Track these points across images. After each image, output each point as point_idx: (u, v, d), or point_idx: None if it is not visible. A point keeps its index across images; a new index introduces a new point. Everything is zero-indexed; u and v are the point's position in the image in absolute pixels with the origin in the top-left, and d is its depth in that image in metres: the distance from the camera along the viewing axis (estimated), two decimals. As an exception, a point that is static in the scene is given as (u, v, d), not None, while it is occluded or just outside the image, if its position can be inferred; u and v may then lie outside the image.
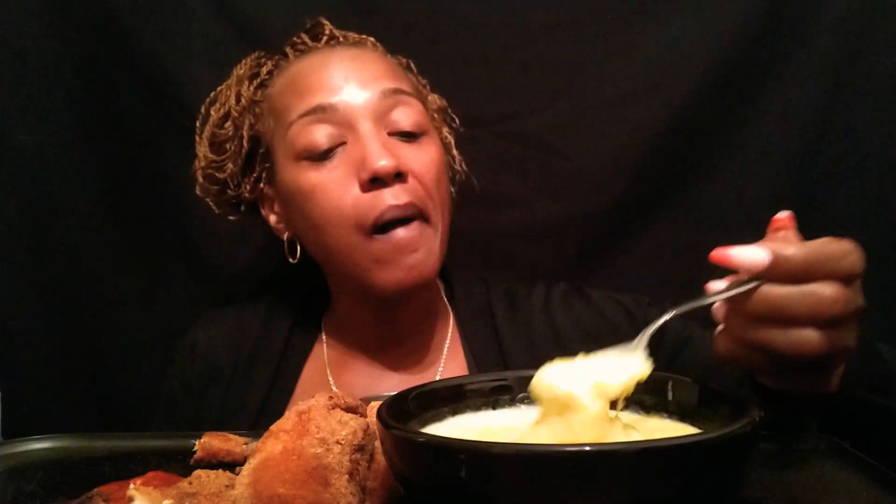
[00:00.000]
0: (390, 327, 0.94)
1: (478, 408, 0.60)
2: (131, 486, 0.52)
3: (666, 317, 0.56)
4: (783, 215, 0.59)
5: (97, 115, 1.15)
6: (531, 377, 0.61)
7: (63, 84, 1.14)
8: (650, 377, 0.58)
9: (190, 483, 0.54)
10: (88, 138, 1.16)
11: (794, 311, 0.53)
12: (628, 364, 0.54)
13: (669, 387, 0.57)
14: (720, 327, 0.57)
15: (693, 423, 0.55)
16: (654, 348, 0.92)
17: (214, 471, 0.56)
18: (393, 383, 0.92)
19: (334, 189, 0.84)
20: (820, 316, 0.53)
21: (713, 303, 0.56)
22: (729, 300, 0.55)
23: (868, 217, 1.09)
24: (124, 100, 1.15)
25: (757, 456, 0.46)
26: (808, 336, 0.53)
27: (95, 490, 0.56)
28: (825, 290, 0.53)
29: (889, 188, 1.09)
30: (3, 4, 1.12)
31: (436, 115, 0.99)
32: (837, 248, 0.54)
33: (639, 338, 0.56)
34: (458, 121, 1.03)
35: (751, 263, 0.54)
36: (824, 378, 0.59)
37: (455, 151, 1.01)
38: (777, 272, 0.53)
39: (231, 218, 0.99)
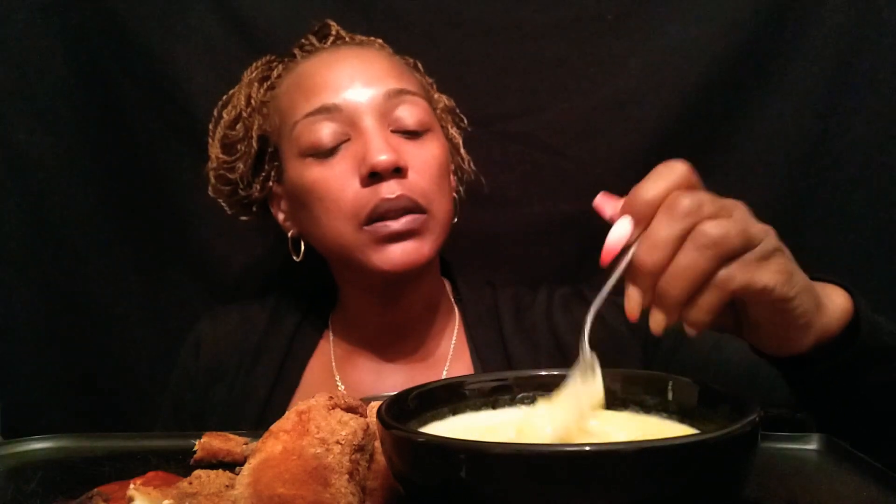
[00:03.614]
0: (395, 321, 0.95)
1: (478, 408, 0.60)
2: (131, 486, 0.52)
3: (587, 325, 0.57)
4: (597, 202, 0.61)
5: (97, 115, 1.15)
6: (531, 377, 0.62)
7: (63, 84, 1.14)
8: (650, 377, 0.58)
9: (190, 483, 0.54)
10: (88, 138, 1.16)
11: (667, 233, 0.54)
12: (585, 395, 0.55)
13: (669, 387, 0.57)
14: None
15: (693, 423, 0.55)
16: (653, 346, 0.93)
17: (214, 471, 0.56)
18: (398, 381, 0.92)
19: (336, 184, 0.85)
20: (683, 214, 0.54)
21: (611, 288, 0.57)
22: (630, 279, 0.56)
23: (867, 219, 1.09)
24: (125, 100, 1.15)
25: (757, 456, 0.46)
26: (699, 233, 0.54)
27: (95, 490, 0.56)
28: (672, 197, 0.55)
29: (889, 188, 1.09)
30: (4, 6, 1.12)
31: (444, 115, 0.99)
32: (658, 169, 0.58)
33: (581, 355, 0.57)
34: (465, 121, 1.04)
35: (623, 235, 0.56)
36: (792, 324, 0.60)
37: (463, 151, 1.01)
38: (639, 218, 0.56)
39: (243, 218, 1.00)
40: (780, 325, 0.61)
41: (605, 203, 0.60)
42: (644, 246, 0.55)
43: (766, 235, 0.57)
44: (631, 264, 0.56)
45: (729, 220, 0.55)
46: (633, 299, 0.56)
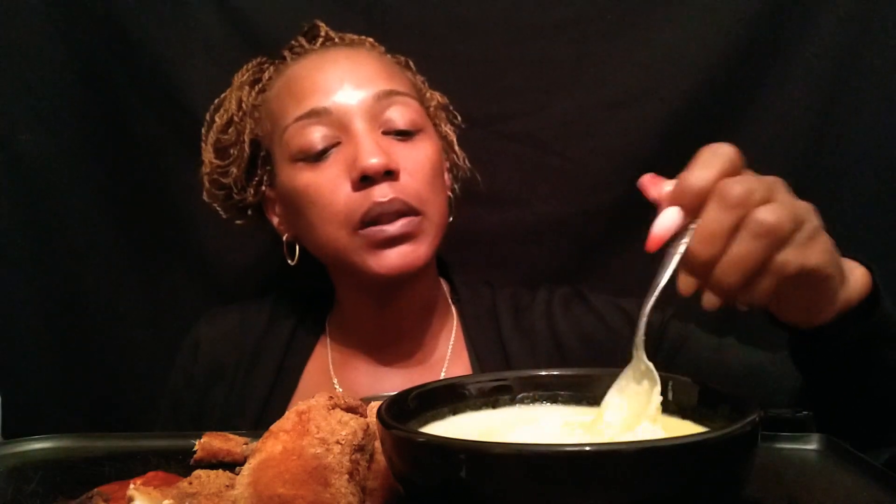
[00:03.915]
0: (392, 322, 0.94)
1: (478, 407, 0.60)
2: (131, 486, 0.52)
3: (642, 321, 0.56)
4: (644, 180, 0.60)
5: (99, 116, 1.15)
6: (531, 377, 0.62)
7: (65, 85, 1.14)
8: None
9: (190, 483, 0.54)
10: (90, 139, 1.16)
11: (721, 223, 0.54)
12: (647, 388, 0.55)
13: (669, 387, 0.57)
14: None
15: (693, 423, 0.55)
16: (653, 349, 0.92)
17: (214, 471, 0.56)
18: (396, 382, 0.92)
19: (328, 188, 0.85)
20: (736, 203, 0.54)
21: (667, 282, 0.56)
22: (685, 269, 0.56)
23: (868, 217, 1.09)
24: (126, 101, 1.15)
25: (757, 456, 0.46)
26: (753, 221, 0.53)
27: (95, 490, 0.56)
28: (722, 186, 0.54)
29: (888, 188, 1.09)
30: (5, 6, 1.12)
31: (437, 113, 0.99)
32: (704, 155, 0.57)
33: (636, 353, 0.56)
34: (459, 118, 1.03)
35: (672, 224, 0.56)
36: (823, 296, 0.61)
37: (458, 149, 1.01)
38: (688, 207, 0.55)
39: (238, 222, 1.00)
40: (813, 297, 0.62)
41: (652, 184, 0.59)
42: (698, 238, 0.54)
43: (809, 214, 0.58)
44: (684, 254, 0.55)
45: (779, 204, 0.55)
46: (688, 283, 0.56)
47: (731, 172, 0.56)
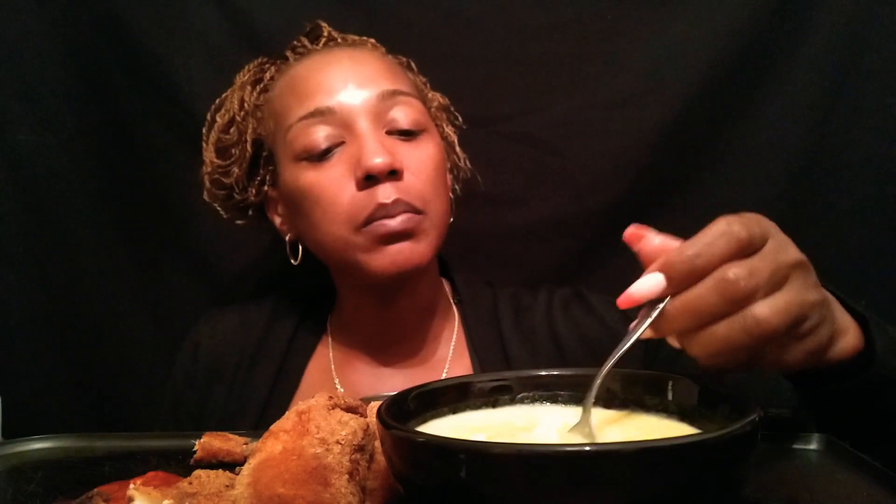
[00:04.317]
0: (394, 322, 0.94)
1: (478, 407, 0.60)
2: (131, 486, 0.52)
3: (596, 381, 0.55)
4: (629, 231, 0.57)
5: (98, 115, 1.15)
6: (531, 377, 0.62)
7: (64, 85, 1.14)
8: (650, 377, 0.58)
9: (190, 483, 0.54)
10: (89, 139, 1.16)
11: (711, 307, 0.51)
12: None
13: (669, 387, 0.57)
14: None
15: (693, 423, 0.55)
16: (652, 353, 0.93)
17: (214, 471, 0.56)
18: (397, 382, 0.92)
19: (332, 188, 0.85)
20: (735, 297, 0.50)
21: (633, 344, 0.53)
22: (653, 328, 0.53)
23: (868, 217, 1.09)
24: (125, 100, 1.15)
25: (757, 456, 0.46)
26: (749, 316, 0.50)
27: (95, 490, 0.56)
28: (726, 272, 0.51)
29: (889, 188, 1.09)
30: (5, 6, 1.12)
31: (438, 114, 0.99)
32: (713, 231, 0.52)
33: (583, 414, 0.54)
34: (460, 119, 1.04)
35: (652, 291, 0.52)
36: (814, 345, 0.56)
37: (459, 149, 1.01)
38: (676, 282, 0.52)
39: (239, 222, 1.00)
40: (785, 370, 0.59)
41: (636, 238, 0.56)
42: (681, 308, 0.51)
43: (814, 310, 0.54)
44: (660, 313, 0.52)
45: (784, 304, 0.51)
46: (649, 334, 0.54)
47: (738, 256, 0.51)
